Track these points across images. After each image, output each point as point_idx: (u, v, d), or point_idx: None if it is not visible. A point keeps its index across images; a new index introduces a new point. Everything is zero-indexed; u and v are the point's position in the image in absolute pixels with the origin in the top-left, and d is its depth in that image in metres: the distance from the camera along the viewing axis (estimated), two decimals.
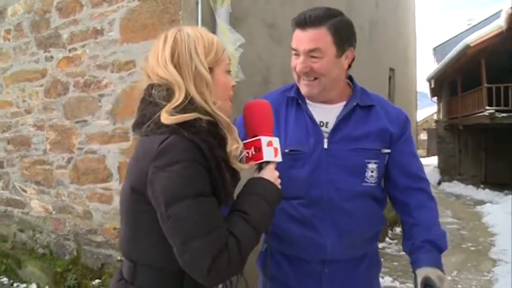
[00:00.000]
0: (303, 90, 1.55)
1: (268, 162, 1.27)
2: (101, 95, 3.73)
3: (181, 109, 1.13)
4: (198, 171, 1.10)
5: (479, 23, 18.71)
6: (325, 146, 1.51)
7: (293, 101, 1.60)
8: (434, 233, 1.52)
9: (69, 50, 3.94)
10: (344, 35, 1.49)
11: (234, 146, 1.19)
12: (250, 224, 1.15)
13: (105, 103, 3.70)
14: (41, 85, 4.22)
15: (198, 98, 1.15)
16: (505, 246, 6.62)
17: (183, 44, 1.18)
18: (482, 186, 14.61)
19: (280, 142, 1.49)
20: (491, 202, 11.45)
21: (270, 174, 1.26)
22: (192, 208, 1.07)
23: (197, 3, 3.27)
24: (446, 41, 21.36)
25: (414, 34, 10.83)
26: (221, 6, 3.32)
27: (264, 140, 1.27)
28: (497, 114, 12.75)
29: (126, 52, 3.54)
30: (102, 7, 3.66)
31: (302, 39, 1.48)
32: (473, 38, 12.54)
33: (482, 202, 11.66)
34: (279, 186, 1.26)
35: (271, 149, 1.28)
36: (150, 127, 1.14)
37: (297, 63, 1.50)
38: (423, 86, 17.27)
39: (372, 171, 1.52)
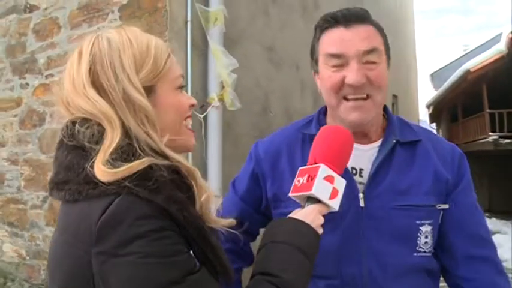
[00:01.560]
0: (351, 115, 1.06)
1: (315, 201, 0.88)
2: None
3: (122, 153, 0.74)
4: (174, 240, 0.70)
5: (475, 48, 18.66)
6: (361, 203, 1.07)
7: (312, 140, 1.13)
8: None
9: (46, 77, 3.56)
10: (387, 38, 1.10)
11: (204, 196, 0.80)
12: None
13: None
14: (16, 115, 3.83)
15: (141, 134, 0.78)
16: None
17: (103, 58, 0.81)
18: (487, 214, 14.13)
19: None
20: (499, 232, 10.95)
21: (310, 217, 0.85)
22: None
23: (186, 22, 2.90)
24: (444, 67, 21.30)
25: (415, 60, 10.63)
26: (214, 26, 2.95)
27: (324, 170, 0.88)
28: (501, 141, 12.47)
29: None
30: (81, 28, 3.29)
31: (350, 38, 1.03)
32: (473, 63, 12.36)
33: (490, 232, 11.19)
34: (319, 231, 0.85)
35: (328, 186, 0.87)
36: (79, 188, 0.74)
37: (345, 75, 1.04)
38: (422, 112, 17.04)
39: (426, 236, 1.08)
